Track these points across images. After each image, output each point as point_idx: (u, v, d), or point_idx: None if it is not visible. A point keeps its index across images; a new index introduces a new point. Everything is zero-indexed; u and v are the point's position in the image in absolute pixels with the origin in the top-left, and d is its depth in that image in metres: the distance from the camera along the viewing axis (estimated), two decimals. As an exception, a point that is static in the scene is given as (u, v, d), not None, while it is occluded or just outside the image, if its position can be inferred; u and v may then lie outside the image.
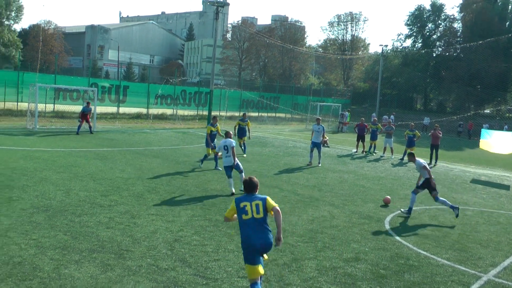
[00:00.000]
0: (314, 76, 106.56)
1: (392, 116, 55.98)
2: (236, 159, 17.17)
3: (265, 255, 8.15)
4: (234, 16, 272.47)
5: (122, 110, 46.72)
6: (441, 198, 15.77)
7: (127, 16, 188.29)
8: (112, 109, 45.92)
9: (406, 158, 29.65)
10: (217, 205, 14.74)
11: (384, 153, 31.67)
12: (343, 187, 19.54)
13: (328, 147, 34.15)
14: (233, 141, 17.33)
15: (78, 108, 37.22)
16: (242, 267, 9.64)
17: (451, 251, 11.96)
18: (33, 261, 9.26)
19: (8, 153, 21.36)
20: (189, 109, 53.36)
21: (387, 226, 13.89)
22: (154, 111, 48.26)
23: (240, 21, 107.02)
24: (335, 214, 14.80)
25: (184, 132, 38.06)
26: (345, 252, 11.23)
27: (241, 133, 27.18)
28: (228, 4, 57.85)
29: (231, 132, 18.15)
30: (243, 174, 17.10)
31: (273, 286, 9.05)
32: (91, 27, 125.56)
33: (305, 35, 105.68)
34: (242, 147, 26.79)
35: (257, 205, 8.10)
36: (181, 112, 49.60)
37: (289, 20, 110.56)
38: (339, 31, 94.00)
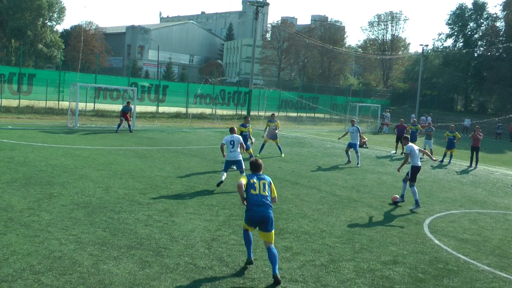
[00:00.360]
0: (353, 77, 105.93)
1: (429, 117, 55.13)
2: (240, 157, 17.20)
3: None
4: (273, 16, 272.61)
5: (162, 109, 47.12)
6: (414, 188, 16.49)
7: (167, 16, 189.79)
8: (151, 108, 46.35)
9: (445, 160, 29.28)
10: (255, 204, 14.70)
11: (423, 155, 30.96)
12: (381, 188, 19.32)
13: (367, 148, 33.85)
14: (240, 137, 17.51)
15: (118, 107, 37.70)
16: (280, 267, 9.61)
17: (492, 257, 11.66)
18: (72, 256, 9.37)
19: (49, 151, 21.72)
20: (228, 108, 53.55)
21: (426, 229, 13.64)
22: (193, 110, 48.58)
23: (279, 21, 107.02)
24: (373, 216, 14.65)
25: (222, 131, 38.12)
26: (383, 255, 11.08)
27: (273, 134, 26.40)
28: (268, 4, 57.86)
29: (235, 128, 18.39)
30: (244, 174, 16.26)
31: (310, 287, 8.97)
32: (132, 28, 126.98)
33: (345, 35, 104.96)
34: (278, 148, 26.55)
35: (264, 184, 9.59)
36: (220, 111, 49.82)
37: (329, 20, 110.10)
38: (379, 31, 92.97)
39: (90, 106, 42.42)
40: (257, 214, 9.33)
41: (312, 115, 61.71)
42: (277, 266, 9.02)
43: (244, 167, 17.24)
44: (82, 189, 14.87)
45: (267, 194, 9.51)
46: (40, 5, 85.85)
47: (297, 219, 13.35)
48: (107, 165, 19.21)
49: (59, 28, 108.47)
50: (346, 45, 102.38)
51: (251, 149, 22.46)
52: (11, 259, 8.99)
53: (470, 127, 56.59)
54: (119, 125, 31.74)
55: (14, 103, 39.20)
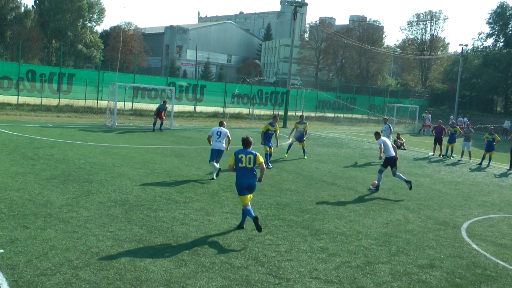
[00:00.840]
0: (391, 77, 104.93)
1: (465, 119, 54.13)
2: (223, 148, 18.16)
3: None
4: (312, 16, 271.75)
5: (199, 108, 47.38)
6: (398, 174, 18.42)
7: (206, 16, 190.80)
8: (189, 108, 46.66)
9: (484, 162, 28.78)
10: (291, 205, 14.68)
11: (461, 157, 30.59)
12: (418, 191, 19.04)
13: (405, 149, 33.51)
14: (227, 132, 18.37)
15: (155, 106, 37.97)
16: (315, 268, 9.63)
17: None
18: (110, 252, 9.48)
19: (87, 149, 22.02)
20: (265, 108, 53.60)
21: (464, 233, 13.35)
22: (230, 110, 48.75)
23: (318, 21, 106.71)
24: (410, 219, 14.44)
25: (259, 131, 38.07)
26: (420, 258, 10.91)
27: (300, 136, 25.24)
28: (306, 4, 57.76)
29: (224, 122, 19.30)
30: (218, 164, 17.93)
31: (346, 288, 8.92)
32: (170, 28, 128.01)
33: (383, 35, 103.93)
34: (303, 151, 25.39)
35: (249, 158, 11.88)
36: (257, 111, 49.87)
37: (367, 20, 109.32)
38: (418, 31, 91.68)
39: (128, 105, 42.90)
40: (244, 183, 11.78)
41: (350, 115, 61.33)
42: (253, 213, 11.58)
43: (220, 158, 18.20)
44: (120, 186, 15.04)
45: (252, 166, 11.86)
46: (80, 6, 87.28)
47: (333, 220, 13.27)
48: (144, 163, 19.39)
49: (99, 28, 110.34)
50: (385, 45, 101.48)
51: (273, 148, 22.46)
52: (50, 254, 9.14)
53: (510, 129, 55.55)
54: (154, 124, 32.01)
55: (54, 102, 39.88)
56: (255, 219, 11.23)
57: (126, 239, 10.31)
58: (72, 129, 29.29)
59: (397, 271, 9.98)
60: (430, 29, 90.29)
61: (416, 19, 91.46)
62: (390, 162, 18.27)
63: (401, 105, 58.55)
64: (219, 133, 18.05)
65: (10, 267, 8.42)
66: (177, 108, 42.98)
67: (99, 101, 41.59)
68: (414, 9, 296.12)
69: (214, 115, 47.32)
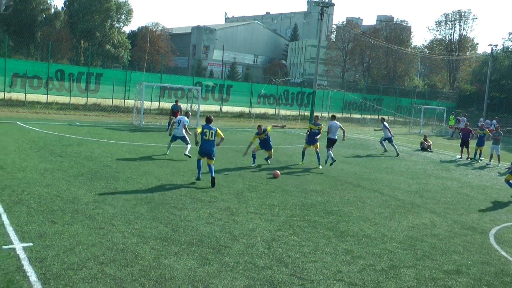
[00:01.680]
0: (418, 78, 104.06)
1: (494, 121, 53.27)
2: (185, 134, 21.93)
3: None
4: (339, 16, 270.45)
5: (225, 108, 47.51)
6: (330, 152, 22.28)
7: (233, 16, 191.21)
8: (215, 108, 46.81)
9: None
10: (316, 206, 14.63)
11: (490, 160, 30.06)
12: (445, 194, 18.78)
13: (431, 152, 33.21)
14: (186, 120, 22.31)
15: (182, 106, 38.08)
16: (339, 270, 9.60)
17: None
18: (135, 249, 9.56)
19: (114, 147, 22.24)
20: (291, 109, 53.58)
21: (492, 239, 13.02)
22: (256, 110, 48.80)
23: (345, 22, 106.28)
24: (437, 223, 14.21)
25: (285, 131, 38.16)
26: (446, 263, 10.72)
27: (312, 138, 22.66)
28: (333, 5, 57.63)
29: (189, 113, 23.98)
30: (188, 145, 21.65)
31: (370, 290, 8.89)
32: (197, 28, 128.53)
33: (411, 36, 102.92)
34: (304, 156, 23.23)
35: (212, 133, 16.39)
36: (283, 111, 49.83)
37: (394, 20, 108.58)
38: (446, 31, 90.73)
39: (155, 104, 43.19)
40: (205, 150, 16.36)
41: (376, 117, 60.96)
42: (213, 173, 16.09)
43: (188, 141, 21.94)
44: (146, 184, 15.16)
45: (213, 139, 16.39)
46: (108, 7, 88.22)
47: (358, 222, 13.20)
48: (170, 162, 19.53)
49: (126, 29, 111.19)
50: (412, 45, 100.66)
51: (318, 143, 22.40)
52: (77, 249, 9.27)
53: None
54: (169, 123, 31.76)
55: (82, 101, 40.36)
56: (212, 178, 15.95)
57: (151, 236, 10.39)
58: (100, 127, 29.59)
59: (423, 276, 9.84)
60: (459, 29, 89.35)
61: (444, 19, 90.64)
62: (330, 142, 22.97)
63: (428, 106, 58.00)
64: (179, 122, 22.04)
65: (39, 260, 8.57)
66: (203, 108, 43.14)
67: (126, 100, 41.95)
68: (442, 8, 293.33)
69: (240, 115, 47.40)
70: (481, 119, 56.03)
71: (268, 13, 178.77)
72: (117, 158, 19.40)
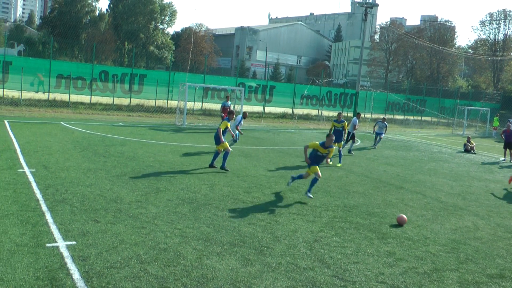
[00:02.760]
0: (462, 79, 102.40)
1: None
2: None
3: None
4: (382, 17, 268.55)
5: (268, 109, 47.54)
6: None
7: (276, 17, 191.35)
8: (258, 108, 46.86)
9: None
10: (359, 207, 14.50)
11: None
12: (489, 197, 18.39)
13: (475, 153, 32.60)
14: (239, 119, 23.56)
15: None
16: (381, 272, 9.51)
17: None
18: (177, 249, 9.59)
19: (157, 147, 22.41)
20: (334, 110, 53.21)
21: None
22: (299, 111, 48.69)
23: (388, 22, 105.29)
24: (480, 226, 13.92)
25: (324, 132, 37.84)
26: (489, 267, 10.49)
27: (337, 136, 22.39)
28: (377, 5, 57.00)
29: (247, 113, 25.19)
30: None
31: (414, 293, 8.74)
32: (241, 29, 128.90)
33: (455, 36, 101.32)
34: (338, 154, 23.09)
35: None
36: (326, 113, 49.61)
37: (438, 20, 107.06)
38: (490, 31, 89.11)
39: (198, 105, 43.51)
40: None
41: (419, 118, 60.21)
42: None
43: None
44: (188, 185, 15.22)
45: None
46: (152, 9, 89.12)
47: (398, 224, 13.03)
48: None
49: (170, 30, 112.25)
50: (456, 45, 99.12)
51: (342, 142, 22.95)
52: (120, 248, 9.35)
53: None
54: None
55: (125, 101, 40.85)
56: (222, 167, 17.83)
57: (194, 236, 10.42)
58: (143, 128, 29.89)
59: (465, 280, 9.67)
60: (504, 28, 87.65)
61: (489, 19, 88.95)
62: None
63: (472, 107, 57.00)
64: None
65: (82, 259, 8.67)
66: (246, 108, 43.09)
67: (169, 101, 42.32)
68: (487, 8, 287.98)
69: (283, 116, 47.36)
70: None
71: (311, 14, 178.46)
72: (159, 158, 19.54)
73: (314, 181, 15.20)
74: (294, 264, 9.46)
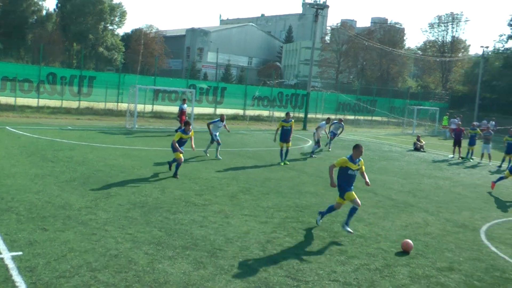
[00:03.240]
0: (412, 79, 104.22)
1: (492, 122, 53.31)
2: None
3: None
4: (333, 18, 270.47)
5: (219, 111, 47.26)
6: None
7: (227, 18, 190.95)
8: (209, 110, 46.73)
9: (504, 165, 28.42)
10: (311, 207, 14.59)
11: (481, 159, 30.61)
12: (438, 193, 18.94)
13: (424, 151, 33.26)
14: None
15: (176, 109, 37.97)
16: (334, 270, 9.64)
17: None
18: (128, 254, 9.48)
19: (107, 151, 22.11)
20: (285, 111, 53.33)
21: (483, 236, 13.32)
22: (250, 112, 48.71)
23: (339, 24, 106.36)
24: (429, 221, 14.37)
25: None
26: (439, 261, 10.88)
27: (284, 136, 22.68)
28: (327, 7, 57.61)
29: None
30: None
31: (365, 291, 8.85)
32: (192, 30, 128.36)
33: (404, 37, 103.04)
34: (283, 155, 22.88)
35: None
36: (277, 114, 49.78)
37: (388, 22, 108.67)
38: (439, 32, 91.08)
39: (148, 107, 43.04)
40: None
41: (370, 118, 61.00)
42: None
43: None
44: (139, 189, 15.06)
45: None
46: (102, 9, 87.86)
47: (352, 222, 13.07)
48: (164, 166, 19.36)
49: (120, 31, 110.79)
50: (406, 47, 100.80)
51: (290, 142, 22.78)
52: (69, 256, 9.16)
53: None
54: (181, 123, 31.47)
55: (74, 104, 40.08)
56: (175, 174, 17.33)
57: (145, 241, 10.30)
58: (92, 131, 29.44)
59: (416, 274, 9.97)
60: (451, 31, 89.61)
61: (437, 21, 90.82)
62: None
63: (421, 107, 58.12)
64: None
65: (29, 269, 8.44)
66: (197, 110, 43.05)
67: (119, 104, 41.73)
68: (435, 10, 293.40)
69: (234, 117, 47.30)
70: (475, 123, 55.92)
71: (262, 15, 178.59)
72: (110, 162, 19.25)
73: (353, 211, 12.34)
74: (247, 265, 9.46)
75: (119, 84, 41.51)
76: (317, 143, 27.08)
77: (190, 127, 18.43)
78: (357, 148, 12.34)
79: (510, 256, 11.70)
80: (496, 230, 14.15)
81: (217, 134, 23.29)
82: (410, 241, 11.47)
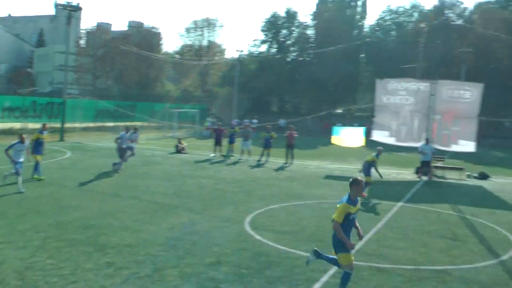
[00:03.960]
0: (171, 83, 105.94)
1: (254, 120, 56.13)
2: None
3: None
4: (88, 21, 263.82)
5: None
6: None
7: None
8: None
9: (263, 159, 30.36)
10: (74, 222, 13.96)
11: (241, 155, 32.27)
12: (202, 192, 19.63)
13: (186, 153, 33.96)
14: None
15: None
16: (103, 285, 9.40)
17: (309, 243, 12.34)
18: None
19: None
20: (41, 121, 50.60)
21: (247, 227, 14.11)
22: (0, 125, 45.22)
23: (94, 27, 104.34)
24: (196, 220, 14.78)
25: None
26: (207, 257, 11.23)
27: (37, 148, 21.29)
28: (80, 9, 55.75)
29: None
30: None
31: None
32: None
33: (161, 41, 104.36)
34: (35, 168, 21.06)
35: None
36: (31, 125, 47.04)
37: (145, 26, 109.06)
38: (196, 37, 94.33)
39: None
40: None
41: (130, 123, 60.50)
42: None
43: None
44: None
45: None
46: None
47: (118, 232, 12.92)
48: None
49: None
50: (163, 51, 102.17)
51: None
52: None
53: (285, 127, 58.67)
54: None
55: None
56: None
57: None
58: None
59: (186, 273, 10.17)
60: (208, 35, 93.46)
61: (194, 26, 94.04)
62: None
63: (181, 110, 59.24)
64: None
65: None
66: None
67: None
68: (191, 16, 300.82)
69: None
70: (235, 120, 58.59)
71: (9, 15, 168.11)
72: None
73: (346, 277, 9.58)
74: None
75: None
76: (122, 157, 25.23)
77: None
78: (357, 184, 9.59)
79: (273, 241, 12.59)
80: (259, 219, 15.12)
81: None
82: None
